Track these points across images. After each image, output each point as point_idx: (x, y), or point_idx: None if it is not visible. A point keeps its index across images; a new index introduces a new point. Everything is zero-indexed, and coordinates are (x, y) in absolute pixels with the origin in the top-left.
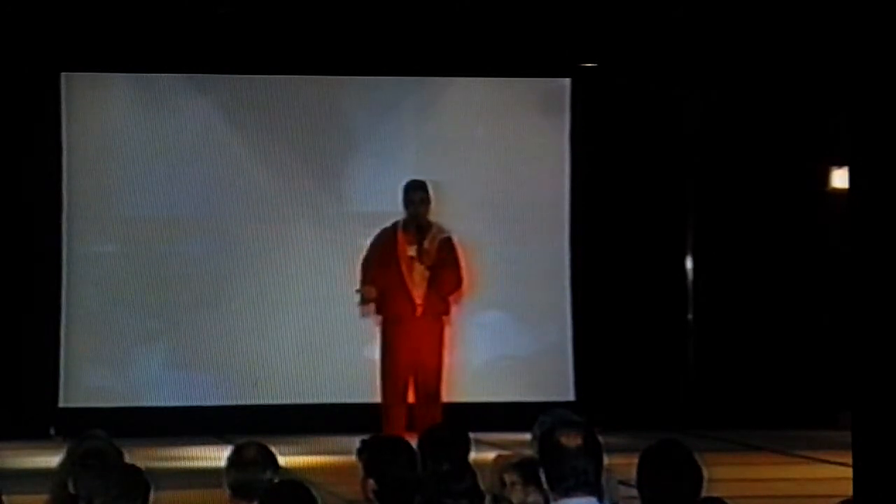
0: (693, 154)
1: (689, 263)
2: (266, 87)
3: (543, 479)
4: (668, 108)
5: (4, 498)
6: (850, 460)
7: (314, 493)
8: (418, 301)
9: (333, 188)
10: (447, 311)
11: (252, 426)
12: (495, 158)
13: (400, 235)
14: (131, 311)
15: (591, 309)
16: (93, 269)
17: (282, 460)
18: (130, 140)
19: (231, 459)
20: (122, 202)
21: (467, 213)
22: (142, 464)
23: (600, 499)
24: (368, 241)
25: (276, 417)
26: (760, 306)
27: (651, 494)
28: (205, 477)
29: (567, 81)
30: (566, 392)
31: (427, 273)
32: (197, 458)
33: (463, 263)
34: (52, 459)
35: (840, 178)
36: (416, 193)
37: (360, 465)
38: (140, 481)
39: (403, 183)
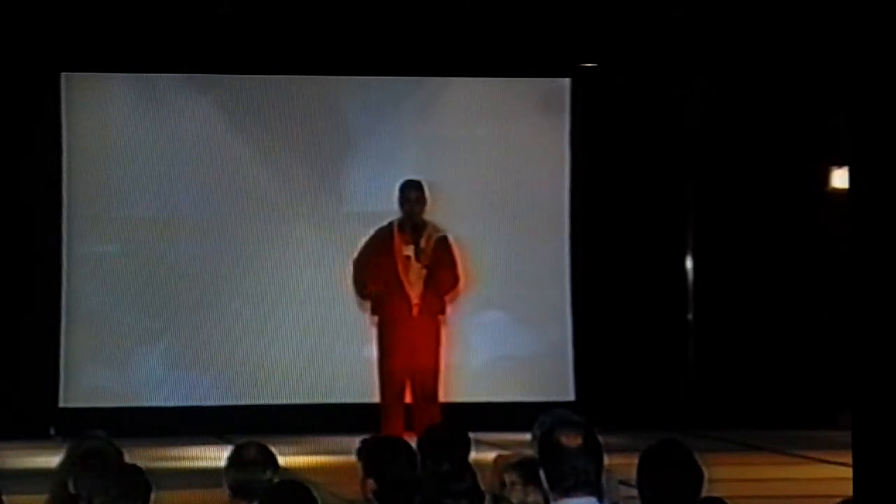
0: (693, 154)
1: (689, 263)
2: (266, 87)
3: (543, 479)
4: (668, 108)
5: (4, 498)
6: (849, 460)
7: (314, 493)
8: (415, 300)
9: (333, 188)
10: (443, 311)
11: (252, 426)
12: (495, 158)
13: (397, 235)
14: (131, 311)
15: (591, 309)
16: (93, 269)
17: (282, 460)
18: (130, 140)
19: (231, 459)
20: (122, 202)
21: (467, 212)
22: (142, 464)
23: (600, 499)
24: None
25: (276, 417)
26: (760, 306)
27: (651, 494)
28: (205, 477)
29: (567, 81)
30: (566, 392)
31: (424, 272)
32: (197, 458)
33: (459, 262)
34: (52, 459)
35: (840, 178)
36: (411, 192)
37: (359, 466)
38: (140, 481)
39: (399, 183)
